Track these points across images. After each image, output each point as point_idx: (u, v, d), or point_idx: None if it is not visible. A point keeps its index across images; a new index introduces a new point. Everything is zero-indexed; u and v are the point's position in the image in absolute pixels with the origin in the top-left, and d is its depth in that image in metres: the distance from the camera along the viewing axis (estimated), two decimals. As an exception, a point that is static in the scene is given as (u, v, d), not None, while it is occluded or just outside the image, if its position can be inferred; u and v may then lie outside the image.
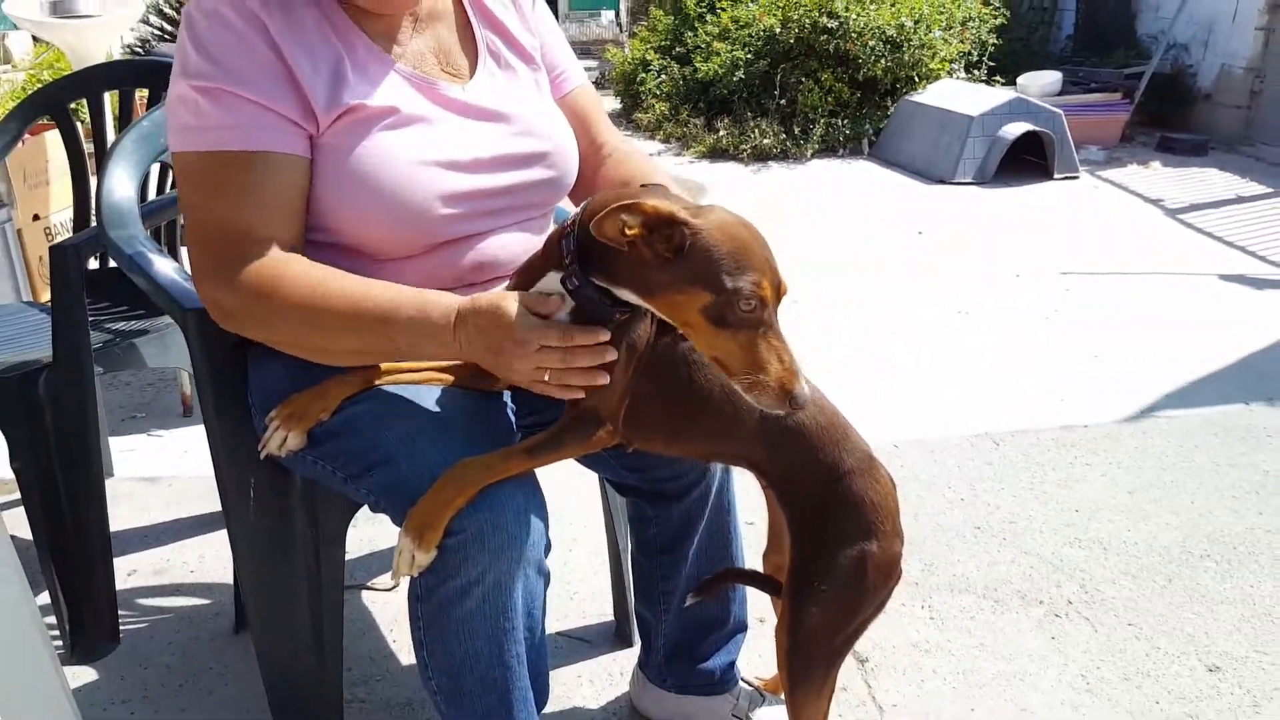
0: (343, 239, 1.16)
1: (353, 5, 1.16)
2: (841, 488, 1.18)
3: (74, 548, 1.62)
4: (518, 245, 1.26)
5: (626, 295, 1.01)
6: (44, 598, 1.64)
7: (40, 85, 5.51)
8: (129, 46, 6.90)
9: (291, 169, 1.11)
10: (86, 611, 1.65)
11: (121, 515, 2.07)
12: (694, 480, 1.40)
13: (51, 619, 1.64)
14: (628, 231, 0.94)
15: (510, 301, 1.02)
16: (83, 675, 1.62)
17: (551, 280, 1.06)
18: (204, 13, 1.10)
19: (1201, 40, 6.54)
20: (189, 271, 1.32)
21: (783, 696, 1.49)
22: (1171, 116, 6.57)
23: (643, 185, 1.11)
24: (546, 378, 1.02)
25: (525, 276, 1.10)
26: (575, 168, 1.32)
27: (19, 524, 1.77)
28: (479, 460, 1.05)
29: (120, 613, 1.73)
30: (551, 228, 1.37)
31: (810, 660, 1.21)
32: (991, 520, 2.10)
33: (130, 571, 1.92)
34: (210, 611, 1.81)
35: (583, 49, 9.48)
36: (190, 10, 1.10)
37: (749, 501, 1.50)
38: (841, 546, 1.17)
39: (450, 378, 1.19)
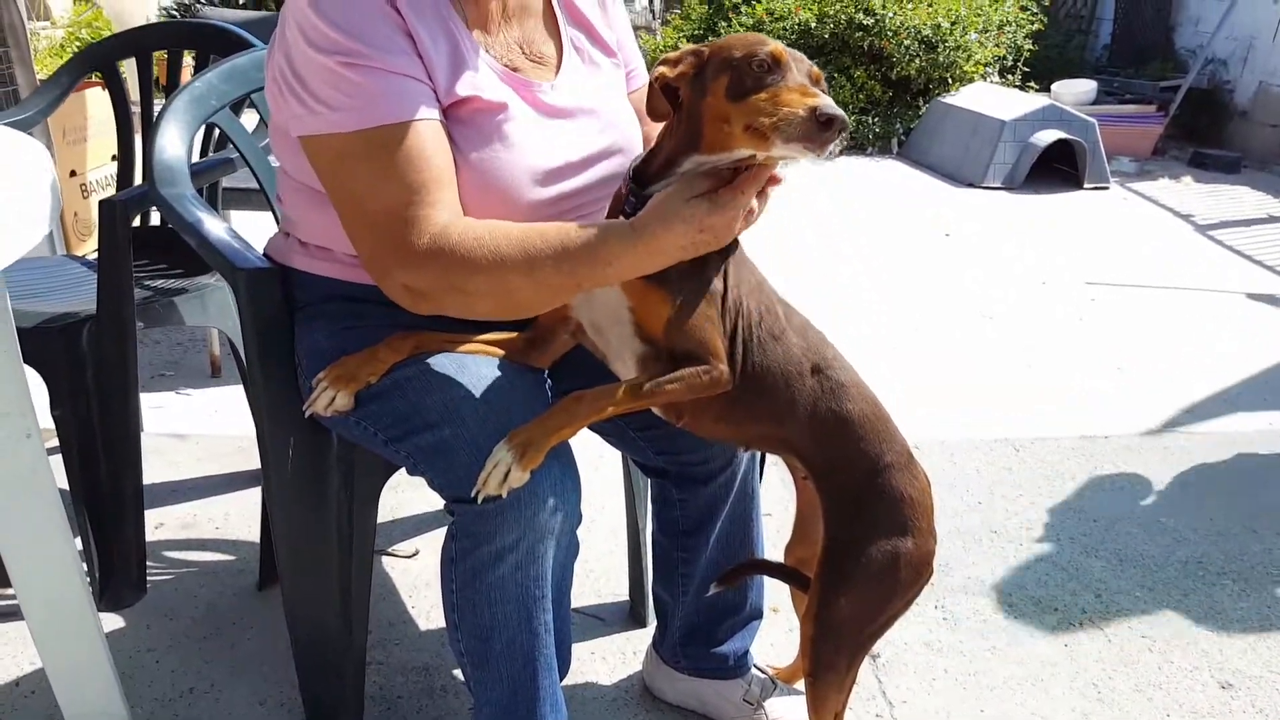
0: None
1: None
2: (881, 481, 1.20)
3: (107, 498, 1.65)
4: None
5: (689, 164, 1.07)
6: (76, 544, 1.68)
7: (80, 43, 5.56)
8: (165, 10, 6.93)
9: (444, 131, 1.11)
10: (117, 560, 1.67)
11: (151, 470, 2.07)
12: (721, 465, 1.41)
13: (82, 566, 1.67)
14: (660, 78, 1.06)
15: (700, 209, 1.05)
16: (111, 622, 1.66)
17: None
18: None
19: (1240, 56, 6.47)
20: (237, 231, 1.34)
21: (794, 686, 1.52)
22: (1206, 132, 6.52)
23: None
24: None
25: None
26: None
27: (56, 471, 1.80)
28: (591, 394, 1.07)
29: (148, 564, 1.76)
30: None
31: (836, 650, 1.22)
32: (1008, 525, 2.11)
33: (158, 525, 1.95)
34: (235, 568, 1.84)
35: (615, 34, 9.46)
36: None
37: (768, 494, 1.51)
38: (877, 540, 1.19)
39: (499, 350, 1.21)
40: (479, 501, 1.04)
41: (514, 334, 1.23)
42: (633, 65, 1.38)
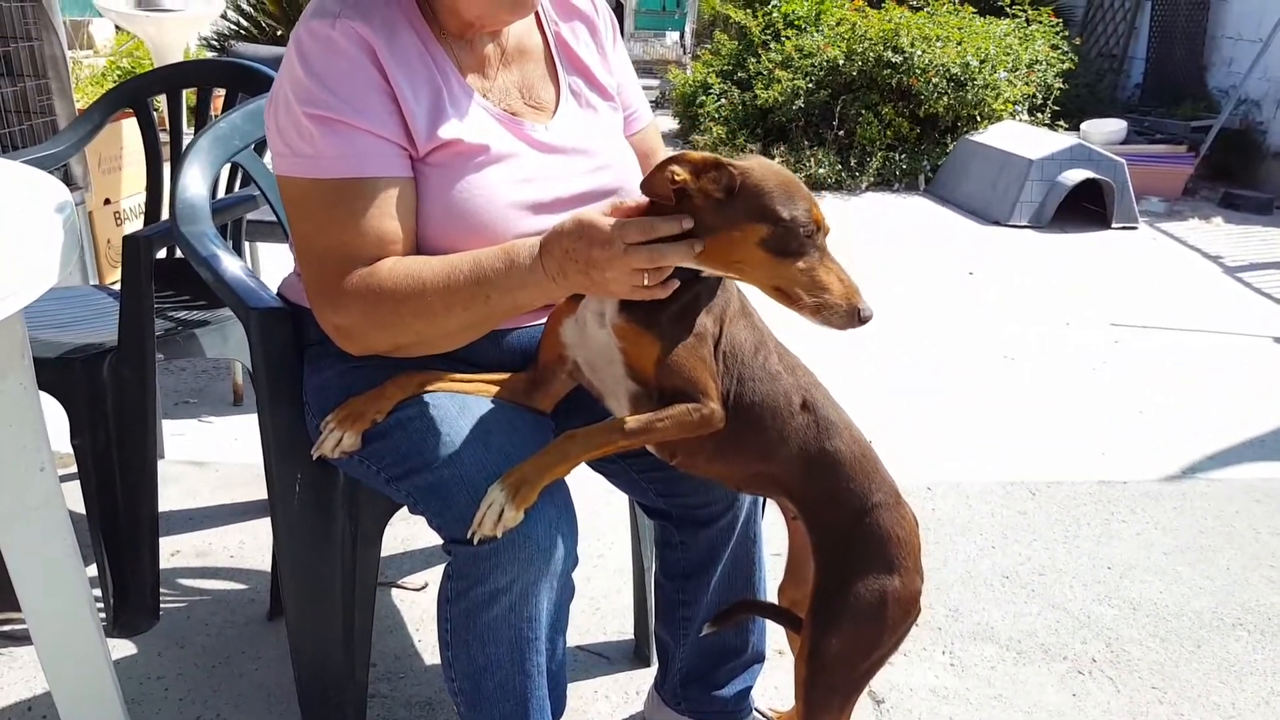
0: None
1: (449, 37, 1.21)
2: (869, 520, 1.21)
3: (124, 526, 1.69)
4: None
5: None
6: (91, 570, 1.71)
7: (121, 71, 5.73)
8: (205, 40, 7.13)
9: (401, 190, 1.16)
10: (131, 588, 1.71)
11: (169, 496, 2.15)
12: (722, 509, 1.42)
13: (96, 591, 1.71)
14: (676, 178, 1.02)
15: (588, 214, 1.05)
16: (122, 649, 1.69)
17: None
18: (314, 37, 1.14)
19: (1274, 97, 6.41)
20: (253, 269, 1.38)
21: (796, 729, 1.51)
22: (1237, 172, 6.44)
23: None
24: (645, 280, 1.03)
25: None
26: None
27: (73, 498, 1.84)
28: (583, 433, 1.09)
29: (161, 591, 1.79)
30: None
31: (829, 690, 1.23)
32: (1021, 570, 2.09)
33: (174, 552, 1.99)
34: (246, 597, 1.87)
35: (645, 68, 9.57)
36: (300, 34, 1.15)
37: (776, 534, 1.51)
38: (865, 579, 1.20)
39: (502, 391, 1.23)
40: (475, 542, 1.05)
41: (516, 375, 1.26)
42: (633, 108, 1.41)
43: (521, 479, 1.06)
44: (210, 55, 6.86)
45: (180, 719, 1.55)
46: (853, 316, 1.04)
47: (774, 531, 1.51)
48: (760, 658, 1.53)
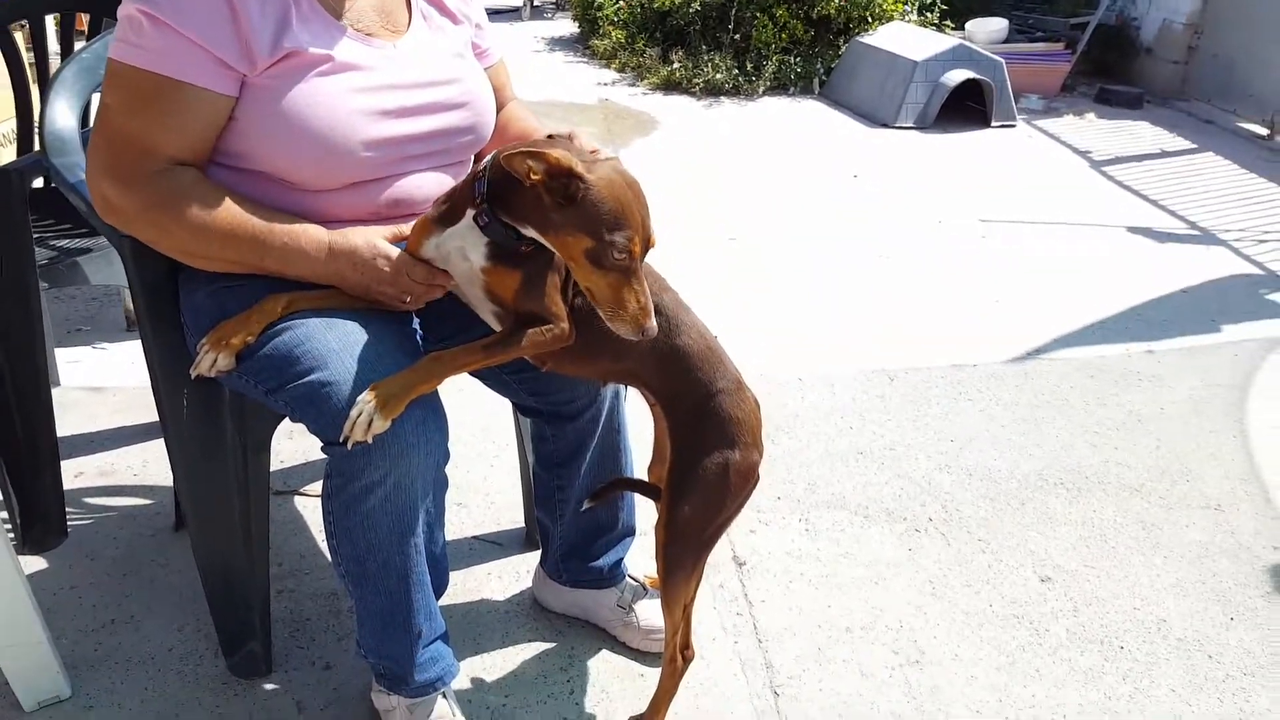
0: (272, 171, 1.29)
1: None
2: (713, 404, 1.38)
3: (24, 453, 1.76)
4: (433, 185, 1.41)
5: (528, 231, 1.19)
6: (-4, 495, 1.79)
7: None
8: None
9: (210, 104, 1.24)
10: (36, 508, 1.79)
11: (70, 422, 2.20)
12: (586, 404, 1.57)
13: (4, 514, 1.79)
14: (532, 175, 1.12)
15: (380, 245, 1.26)
16: (35, 564, 1.78)
17: (466, 218, 1.23)
18: None
19: (1148, -8, 6.66)
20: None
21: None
22: (1113, 68, 6.71)
23: (550, 136, 1.27)
24: (408, 300, 1.31)
25: (444, 206, 1.26)
26: (492, 119, 1.48)
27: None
28: (446, 354, 1.23)
29: (69, 511, 1.88)
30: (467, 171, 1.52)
31: (682, 550, 1.41)
32: (874, 447, 2.32)
33: (78, 474, 2.06)
34: (152, 511, 1.97)
35: (545, -32, 9.35)
36: None
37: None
38: (710, 455, 1.37)
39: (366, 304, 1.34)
40: (348, 445, 1.18)
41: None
42: (486, 46, 1.53)
43: (389, 393, 1.18)
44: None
45: (95, 623, 1.67)
46: (636, 330, 1.18)
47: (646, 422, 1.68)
48: (631, 531, 1.72)
